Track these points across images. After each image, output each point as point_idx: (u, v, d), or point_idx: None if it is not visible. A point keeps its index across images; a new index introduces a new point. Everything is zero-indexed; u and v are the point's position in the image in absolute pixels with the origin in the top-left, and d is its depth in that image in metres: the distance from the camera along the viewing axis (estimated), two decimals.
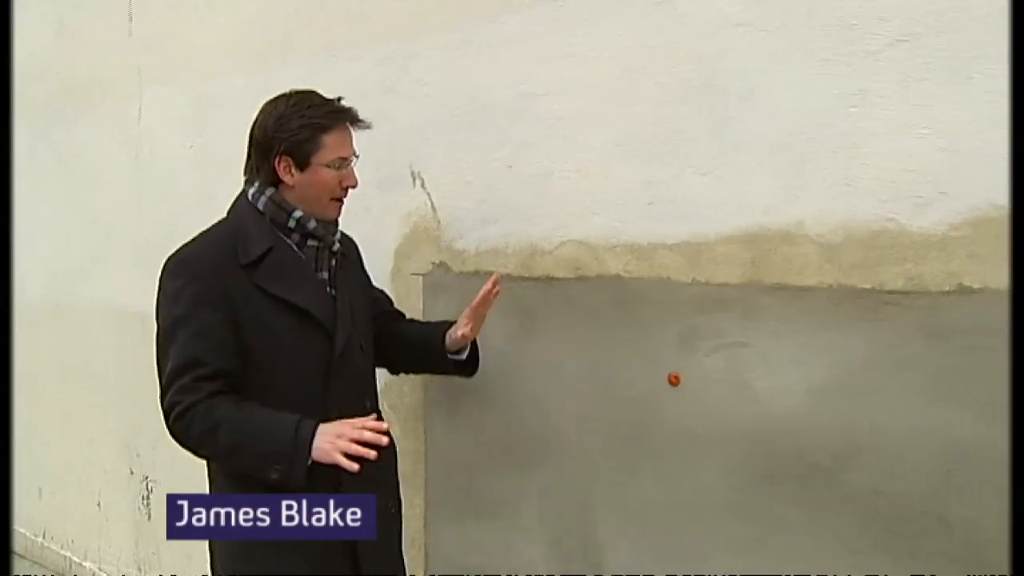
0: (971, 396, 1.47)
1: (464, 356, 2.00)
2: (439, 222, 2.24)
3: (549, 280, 2.02)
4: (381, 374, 2.40)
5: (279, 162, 1.76)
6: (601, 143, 1.90)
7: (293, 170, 1.77)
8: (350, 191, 1.84)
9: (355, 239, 2.04)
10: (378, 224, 2.36)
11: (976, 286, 1.45)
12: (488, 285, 1.88)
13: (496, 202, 2.11)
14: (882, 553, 1.59)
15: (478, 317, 1.93)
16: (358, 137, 2.07)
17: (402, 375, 2.23)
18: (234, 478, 1.77)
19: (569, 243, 1.98)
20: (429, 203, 2.26)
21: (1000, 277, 1.43)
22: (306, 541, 1.72)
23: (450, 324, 1.98)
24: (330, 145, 1.77)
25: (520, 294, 2.07)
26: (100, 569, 3.66)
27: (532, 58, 2.00)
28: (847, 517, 1.63)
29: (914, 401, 1.53)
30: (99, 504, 3.60)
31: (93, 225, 3.40)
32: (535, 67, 1.99)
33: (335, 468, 1.63)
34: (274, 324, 1.75)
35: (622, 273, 1.90)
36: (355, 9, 2.37)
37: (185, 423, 1.66)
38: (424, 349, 2.01)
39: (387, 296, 2.17)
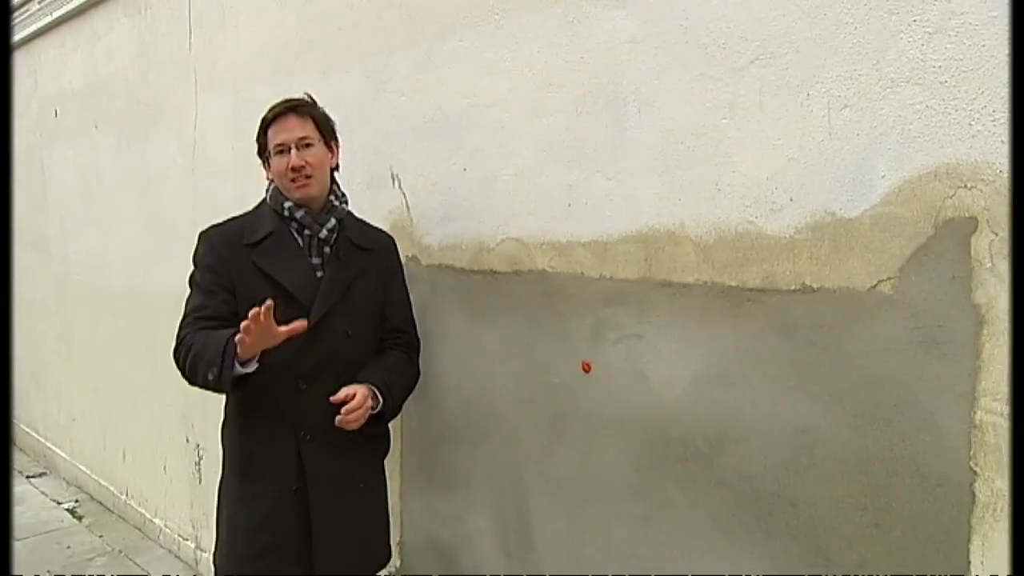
0: (814, 387, 1.58)
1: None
2: (412, 220, 2.47)
3: (493, 274, 2.22)
4: None
5: (263, 164, 2.16)
6: (531, 149, 2.08)
7: (267, 166, 2.15)
8: (318, 172, 2.10)
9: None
10: (368, 221, 2.62)
11: (815, 285, 1.56)
12: None
13: (454, 202, 2.32)
14: (745, 532, 1.71)
15: None
16: (350, 143, 2.34)
17: None
18: (234, 417, 2.12)
19: (508, 240, 2.17)
20: (404, 202, 2.49)
21: (833, 278, 1.53)
22: (258, 496, 2.03)
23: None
24: (271, 135, 2.11)
25: (471, 287, 2.28)
26: (166, 526, 4.11)
27: (478, 71, 2.19)
28: (718, 498, 1.76)
29: (770, 392, 1.65)
30: (164, 468, 4.04)
31: (159, 220, 3.82)
32: (480, 79, 2.19)
33: (298, 461, 2.02)
34: (261, 297, 2.01)
35: (547, 268, 2.08)
36: (345, 26, 2.62)
37: (176, 351, 2.04)
38: None
39: (404, 318, 2.30)
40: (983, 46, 1.32)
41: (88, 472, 4.95)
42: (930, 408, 1.42)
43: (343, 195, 2.20)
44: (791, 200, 1.59)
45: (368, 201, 2.61)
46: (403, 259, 2.49)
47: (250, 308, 1.99)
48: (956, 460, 1.39)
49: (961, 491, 1.39)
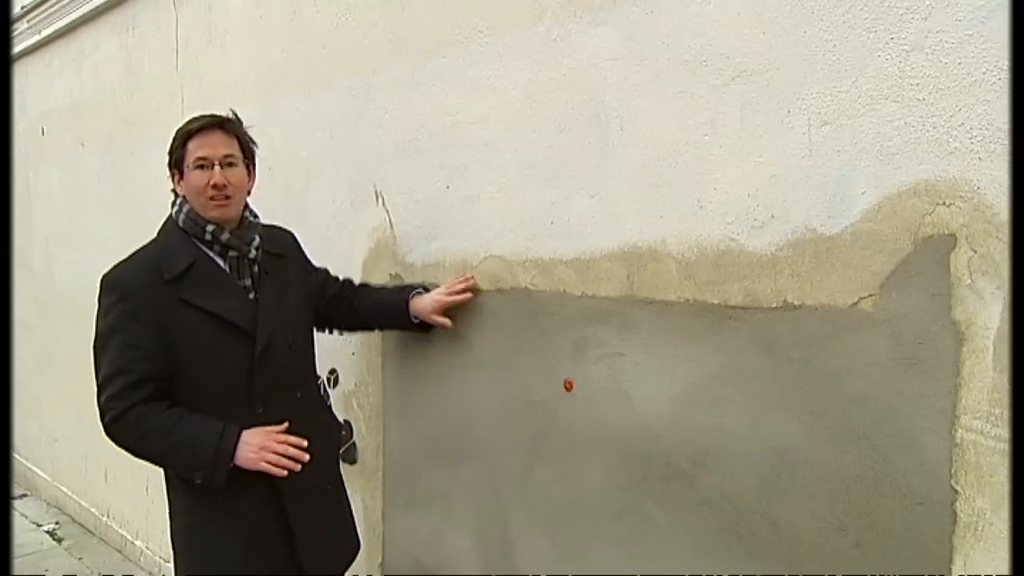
0: (796, 405, 1.57)
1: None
2: (395, 237, 2.46)
3: (476, 292, 2.21)
4: (349, 375, 2.66)
5: (172, 176, 2.01)
6: (514, 167, 2.08)
7: (178, 179, 2.00)
8: (238, 193, 2.00)
9: (298, 236, 2.31)
10: (352, 238, 2.61)
11: (797, 303, 1.56)
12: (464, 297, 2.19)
13: (437, 220, 2.31)
14: (727, 552, 1.69)
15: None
16: (334, 160, 2.28)
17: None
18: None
19: (490, 258, 2.16)
20: (388, 220, 2.48)
21: (815, 295, 1.53)
22: (242, 524, 1.99)
23: (409, 294, 2.24)
24: (192, 148, 1.96)
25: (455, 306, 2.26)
26: (147, 548, 4.05)
27: (462, 89, 2.19)
28: (700, 518, 1.74)
29: (751, 410, 1.64)
30: (147, 489, 3.99)
31: (143, 240, 3.79)
32: (464, 97, 2.19)
33: (270, 485, 1.95)
34: (199, 332, 1.94)
35: (529, 286, 2.07)
36: (330, 45, 2.63)
37: (118, 428, 1.90)
38: (388, 319, 2.32)
39: (332, 276, 2.35)
40: (959, 64, 1.32)
41: (69, 493, 4.88)
42: (911, 426, 1.41)
43: (255, 214, 2.12)
44: (772, 217, 1.59)
45: (352, 219, 2.61)
46: (387, 277, 2.49)
47: (188, 348, 1.91)
48: (937, 479, 1.38)
49: (942, 510, 1.37)
